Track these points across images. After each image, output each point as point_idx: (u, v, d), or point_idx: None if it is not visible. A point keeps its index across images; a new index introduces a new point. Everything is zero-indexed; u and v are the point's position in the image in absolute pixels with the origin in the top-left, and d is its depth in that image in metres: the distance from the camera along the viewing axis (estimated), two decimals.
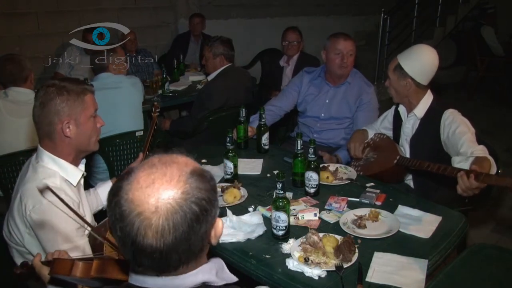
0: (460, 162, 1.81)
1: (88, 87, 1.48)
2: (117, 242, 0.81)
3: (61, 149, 1.43)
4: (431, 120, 2.04)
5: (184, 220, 0.77)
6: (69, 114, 1.40)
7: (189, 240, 0.79)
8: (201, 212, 0.79)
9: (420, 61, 2.02)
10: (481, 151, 1.78)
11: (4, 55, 2.49)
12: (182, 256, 0.81)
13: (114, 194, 0.80)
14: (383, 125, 2.35)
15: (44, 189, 1.18)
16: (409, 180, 2.24)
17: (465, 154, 1.81)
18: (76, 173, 1.48)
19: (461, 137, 1.86)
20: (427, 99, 2.08)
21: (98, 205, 1.83)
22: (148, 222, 0.76)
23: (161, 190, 0.77)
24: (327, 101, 2.74)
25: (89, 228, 1.34)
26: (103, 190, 1.83)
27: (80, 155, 1.51)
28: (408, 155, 2.15)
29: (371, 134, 2.35)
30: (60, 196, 1.20)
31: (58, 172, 1.42)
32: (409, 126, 2.15)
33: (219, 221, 0.88)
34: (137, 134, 2.50)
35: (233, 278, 0.93)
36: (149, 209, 0.76)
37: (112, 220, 0.80)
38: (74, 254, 1.28)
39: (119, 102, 2.61)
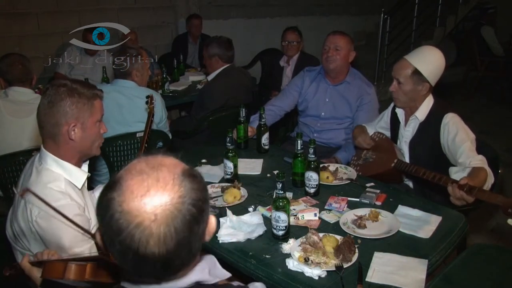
0: (457, 173, 1.80)
1: (99, 93, 1.46)
2: (116, 256, 0.78)
3: (64, 152, 1.42)
4: (431, 123, 2.01)
5: (184, 223, 0.75)
6: (76, 118, 1.38)
7: (190, 243, 0.78)
8: (199, 212, 0.78)
9: (435, 64, 2.00)
10: (479, 161, 1.76)
11: (15, 54, 2.48)
12: (184, 259, 0.79)
13: (106, 209, 0.75)
14: (379, 125, 2.34)
15: (25, 192, 1.17)
16: (409, 181, 2.24)
17: (463, 164, 1.79)
18: (80, 175, 1.46)
19: (460, 145, 1.84)
20: (429, 101, 2.05)
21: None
22: (149, 231, 0.73)
23: (157, 196, 0.74)
24: (327, 99, 2.73)
25: (89, 236, 1.32)
26: None
27: (82, 158, 1.50)
28: (407, 157, 2.13)
29: (370, 132, 2.34)
30: (42, 198, 1.18)
31: (63, 175, 1.41)
32: (410, 129, 2.12)
33: (212, 218, 0.86)
34: (138, 135, 2.49)
35: (226, 274, 0.92)
36: (148, 218, 0.73)
37: (109, 235, 0.76)
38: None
39: (126, 115, 2.53)
